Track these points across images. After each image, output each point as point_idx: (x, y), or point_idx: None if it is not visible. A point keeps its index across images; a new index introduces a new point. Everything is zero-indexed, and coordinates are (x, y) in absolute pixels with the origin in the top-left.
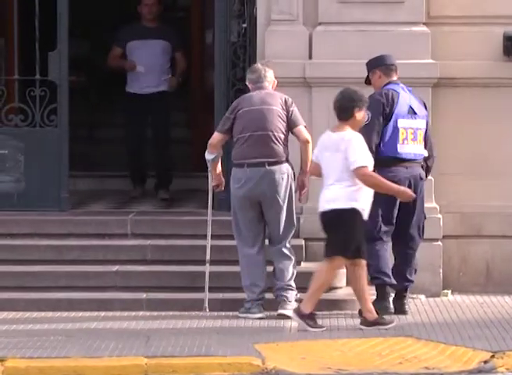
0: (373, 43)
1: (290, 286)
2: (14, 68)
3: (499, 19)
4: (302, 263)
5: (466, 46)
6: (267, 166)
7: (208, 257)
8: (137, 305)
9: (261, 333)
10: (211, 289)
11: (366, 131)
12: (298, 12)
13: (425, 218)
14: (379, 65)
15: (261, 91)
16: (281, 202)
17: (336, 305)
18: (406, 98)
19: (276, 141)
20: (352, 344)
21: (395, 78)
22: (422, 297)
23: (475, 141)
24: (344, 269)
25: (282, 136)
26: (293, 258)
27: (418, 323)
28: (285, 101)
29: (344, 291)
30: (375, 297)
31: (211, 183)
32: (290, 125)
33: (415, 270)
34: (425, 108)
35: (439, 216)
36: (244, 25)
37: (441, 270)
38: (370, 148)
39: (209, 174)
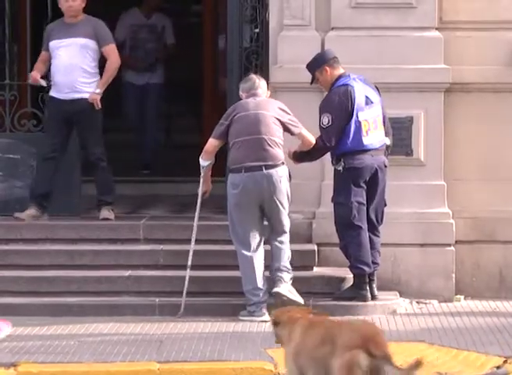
0: (385, 48)
1: (286, 267)
2: (27, 73)
3: (511, 25)
4: (314, 268)
5: (478, 51)
6: (264, 170)
7: (189, 262)
8: (150, 309)
9: (273, 338)
10: (222, 294)
11: (327, 134)
12: (310, 17)
13: (385, 205)
14: (326, 61)
15: (255, 98)
16: (279, 204)
17: (348, 310)
18: (361, 90)
19: (273, 145)
20: None
21: (342, 70)
22: (435, 302)
23: (488, 146)
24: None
25: (278, 140)
26: (288, 239)
27: (431, 328)
28: (280, 108)
29: None
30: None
31: (201, 189)
32: (292, 130)
33: (379, 253)
34: (378, 92)
35: (452, 221)
36: (257, 30)
37: (454, 275)
38: (329, 150)
39: (201, 180)
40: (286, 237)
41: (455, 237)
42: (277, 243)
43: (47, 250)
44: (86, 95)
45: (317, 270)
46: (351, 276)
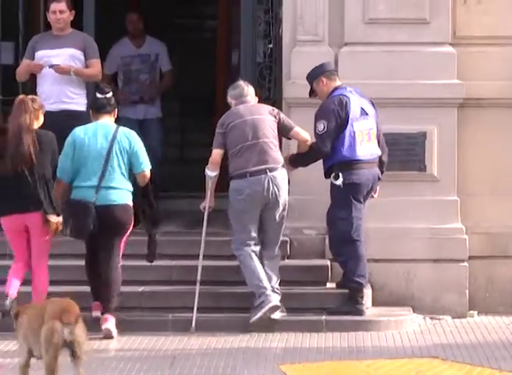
0: (399, 63)
1: (278, 289)
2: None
3: None
4: (327, 284)
5: (492, 66)
6: (268, 173)
7: (198, 277)
8: (163, 325)
9: (286, 354)
10: (234, 310)
11: (322, 140)
12: (324, 33)
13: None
14: (323, 72)
15: (246, 104)
16: (282, 207)
17: (361, 325)
18: (356, 101)
19: (274, 147)
20: (377, 365)
21: (339, 83)
22: (448, 317)
23: (502, 162)
24: (370, 290)
25: (277, 142)
26: (280, 258)
27: (444, 343)
28: (271, 109)
29: (370, 312)
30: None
31: (208, 202)
32: (285, 131)
33: None
34: (373, 106)
35: (465, 236)
36: (270, 45)
37: (467, 291)
38: (325, 155)
39: (208, 193)
40: (277, 254)
41: (468, 252)
42: (268, 261)
43: (60, 265)
44: (73, 107)
45: (330, 286)
46: (365, 291)
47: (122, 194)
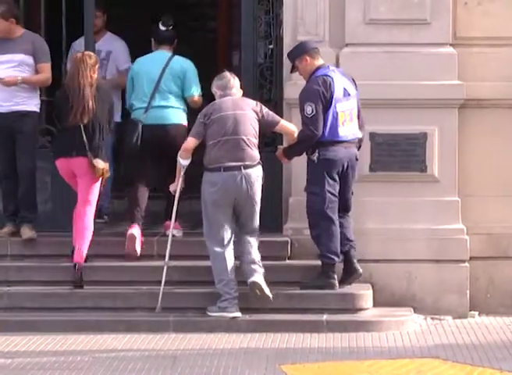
0: (400, 64)
1: (260, 262)
2: (41, 88)
3: None
4: None
5: (493, 67)
6: (243, 169)
7: (163, 277)
8: (164, 326)
9: (287, 354)
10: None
11: (313, 122)
12: (325, 34)
13: (352, 194)
14: (307, 50)
15: (230, 97)
16: (255, 203)
17: (362, 326)
18: (339, 81)
19: (251, 145)
20: (378, 366)
21: (322, 61)
22: (449, 318)
23: (502, 162)
24: (371, 290)
25: (255, 140)
26: (258, 240)
27: (445, 344)
28: (255, 104)
29: (371, 313)
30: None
31: (179, 187)
32: (270, 125)
33: (351, 230)
34: (355, 85)
35: (466, 237)
36: (271, 46)
37: (468, 291)
38: (317, 137)
39: (181, 179)
40: (256, 237)
41: (469, 253)
42: (250, 239)
43: (62, 266)
44: (23, 107)
45: None
46: (366, 292)
47: (174, 113)
